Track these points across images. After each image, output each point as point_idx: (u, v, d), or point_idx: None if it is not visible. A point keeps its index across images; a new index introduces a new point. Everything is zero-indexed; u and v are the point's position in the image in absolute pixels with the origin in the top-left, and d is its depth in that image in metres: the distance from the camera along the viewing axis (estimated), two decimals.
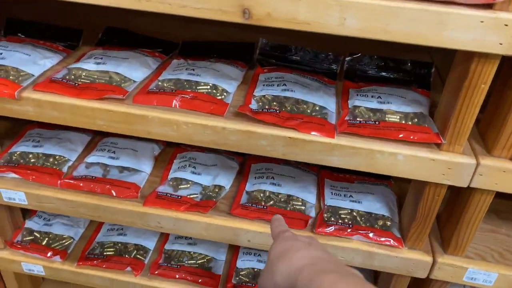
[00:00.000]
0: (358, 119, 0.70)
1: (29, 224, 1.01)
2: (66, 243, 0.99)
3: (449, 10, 0.53)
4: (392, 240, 0.78)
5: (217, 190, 0.86)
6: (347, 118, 0.70)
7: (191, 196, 0.84)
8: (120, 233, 1.01)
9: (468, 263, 0.77)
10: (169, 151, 0.97)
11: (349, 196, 0.86)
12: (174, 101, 0.71)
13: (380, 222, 0.81)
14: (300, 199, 0.84)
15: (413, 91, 0.76)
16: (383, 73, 0.81)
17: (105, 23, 0.90)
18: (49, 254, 0.95)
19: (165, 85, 0.75)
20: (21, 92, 0.72)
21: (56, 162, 0.89)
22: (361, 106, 0.72)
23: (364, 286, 0.42)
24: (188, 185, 0.87)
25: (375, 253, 0.78)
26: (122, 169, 0.89)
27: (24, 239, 0.98)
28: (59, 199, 0.84)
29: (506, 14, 0.52)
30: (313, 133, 0.67)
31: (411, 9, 0.53)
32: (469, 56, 0.58)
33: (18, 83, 0.73)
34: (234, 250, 1.00)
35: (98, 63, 0.78)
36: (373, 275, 0.98)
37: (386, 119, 0.69)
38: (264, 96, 0.73)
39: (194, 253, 0.98)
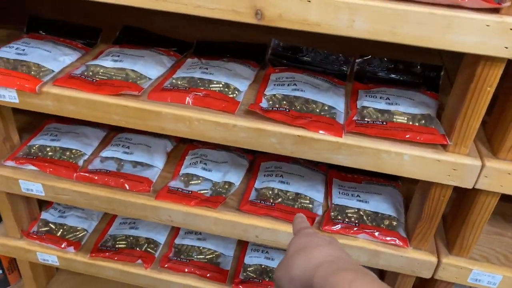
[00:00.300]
0: (366, 119, 0.71)
1: (45, 215, 1.04)
2: (80, 235, 1.02)
3: (456, 13, 0.54)
4: (397, 240, 0.79)
5: (227, 186, 0.88)
6: (355, 118, 0.72)
7: (202, 192, 0.87)
8: (132, 226, 1.04)
9: (473, 265, 0.78)
10: (181, 148, 1.00)
11: (357, 196, 0.87)
12: (187, 98, 0.74)
13: (386, 222, 0.82)
14: (308, 197, 0.86)
15: (421, 94, 0.77)
16: (393, 75, 0.83)
17: (123, 23, 0.93)
18: (63, 245, 0.98)
19: (179, 83, 0.77)
20: (42, 87, 0.75)
21: (72, 156, 0.93)
22: (369, 107, 0.73)
23: (381, 285, 0.42)
24: (199, 181, 0.89)
25: (381, 252, 0.79)
26: (136, 164, 0.92)
27: (40, 230, 1.02)
28: (74, 191, 0.87)
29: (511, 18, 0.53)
30: (321, 132, 0.68)
31: (418, 12, 0.55)
32: (475, 60, 0.59)
33: (39, 78, 0.76)
34: (242, 246, 1.02)
35: (115, 61, 0.80)
36: (379, 276, 0.99)
37: (394, 120, 0.71)
38: (274, 95, 0.75)
39: (203, 248, 1.00)
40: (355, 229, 0.80)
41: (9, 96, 0.76)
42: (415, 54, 0.83)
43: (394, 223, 0.82)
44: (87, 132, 0.99)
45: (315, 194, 0.87)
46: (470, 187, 0.68)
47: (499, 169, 0.66)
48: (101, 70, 0.79)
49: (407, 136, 0.68)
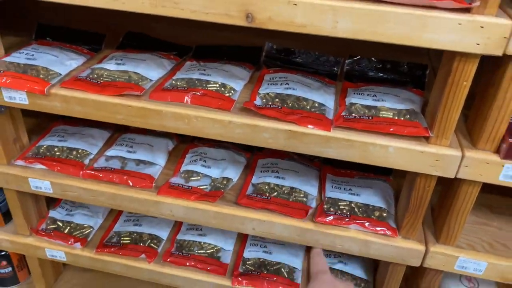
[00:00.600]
0: (353, 114, 0.76)
1: (52, 213, 1.09)
2: (86, 232, 1.07)
3: (431, 14, 0.59)
4: (387, 230, 0.83)
5: (225, 182, 0.93)
6: (343, 113, 0.76)
7: (201, 187, 0.91)
8: (135, 223, 1.09)
9: (459, 252, 0.81)
10: (182, 147, 1.04)
11: (349, 189, 0.91)
12: (186, 97, 0.78)
13: (377, 213, 0.86)
14: (302, 191, 0.90)
15: (407, 91, 0.81)
16: (381, 74, 0.87)
17: (126, 28, 0.99)
18: (70, 241, 1.03)
19: (178, 83, 0.82)
20: (50, 88, 0.80)
21: (78, 155, 0.98)
22: (357, 103, 0.78)
23: None
24: (199, 177, 0.94)
25: (371, 242, 0.83)
26: (139, 162, 0.97)
27: (48, 227, 1.06)
28: (81, 188, 0.92)
29: (481, 17, 0.58)
30: (310, 126, 0.73)
31: (396, 13, 0.60)
32: (452, 56, 0.64)
33: (47, 81, 0.81)
34: (241, 241, 1.06)
35: (119, 64, 0.86)
36: (373, 266, 1.03)
37: (380, 115, 0.75)
38: (268, 93, 0.80)
39: (204, 243, 1.04)
40: (346, 220, 0.84)
41: (20, 98, 0.82)
42: (404, 54, 0.88)
43: (384, 214, 0.86)
44: (93, 133, 1.04)
45: (309, 188, 0.92)
46: (452, 177, 0.72)
47: (478, 159, 0.70)
48: (105, 73, 0.84)
49: (391, 130, 0.72)
